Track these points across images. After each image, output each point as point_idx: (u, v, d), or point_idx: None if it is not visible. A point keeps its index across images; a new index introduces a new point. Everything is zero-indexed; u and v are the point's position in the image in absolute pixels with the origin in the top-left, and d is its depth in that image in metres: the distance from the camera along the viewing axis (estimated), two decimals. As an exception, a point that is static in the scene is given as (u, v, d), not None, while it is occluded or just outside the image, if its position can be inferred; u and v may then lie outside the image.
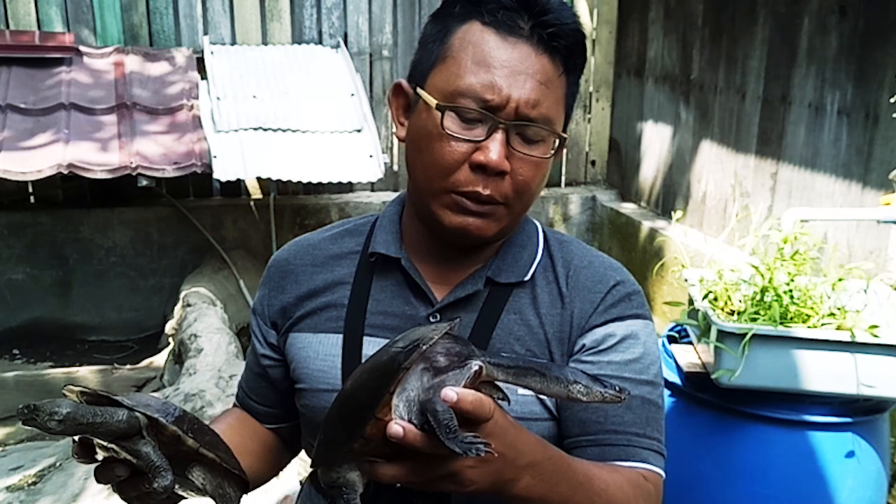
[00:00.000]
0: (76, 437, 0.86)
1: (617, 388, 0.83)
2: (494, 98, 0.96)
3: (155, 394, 3.39)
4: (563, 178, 5.37)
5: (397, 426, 0.76)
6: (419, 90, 1.02)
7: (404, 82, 1.06)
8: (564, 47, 0.99)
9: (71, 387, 0.84)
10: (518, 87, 0.96)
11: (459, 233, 1.01)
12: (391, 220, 1.13)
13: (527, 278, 1.07)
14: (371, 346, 1.05)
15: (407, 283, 1.08)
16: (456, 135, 0.97)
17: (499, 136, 0.96)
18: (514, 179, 0.99)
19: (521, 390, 0.99)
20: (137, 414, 0.83)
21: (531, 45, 0.97)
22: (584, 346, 1.05)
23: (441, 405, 0.75)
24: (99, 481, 0.87)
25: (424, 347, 0.79)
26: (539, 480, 0.86)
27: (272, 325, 1.16)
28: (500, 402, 0.85)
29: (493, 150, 0.96)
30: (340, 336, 1.07)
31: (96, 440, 0.84)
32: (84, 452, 0.86)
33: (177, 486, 0.89)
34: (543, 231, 1.15)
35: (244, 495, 0.97)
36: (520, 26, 0.97)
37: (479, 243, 1.05)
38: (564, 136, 1.02)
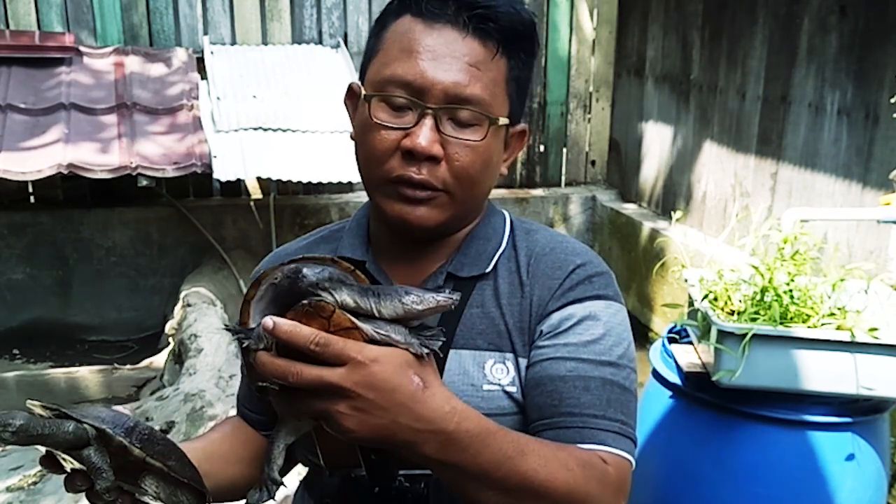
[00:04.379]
0: (43, 449, 0.91)
1: (449, 292, 0.83)
2: (419, 82, 0.95)
3: (155, 394, 3.39)
4: (563, 178, 5.37)
5: (268, 320, 0.77)
6: (361, 87, 1.03)
7: (355, 84, 1.06)
8: (496, 30, 0.97)
9: (32, 402, 0.90)
10: (443, 70, 0.95)
11: (401, 223, 1.00)
12: (359, 223, 1.12)
13: (488, 270, 1.05)
14: None
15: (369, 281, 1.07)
16: (386, 123, 0.97)
17: (428, 122, 0.95)
18: (450, 165, 0.97)
19: (485, 385, 0.99)
20: (85, 425, 0.88)
21: (457, 29, 0.96)
22: (541, 332, 1.01)
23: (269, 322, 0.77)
24: (67, 490, 0.92)
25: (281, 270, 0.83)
26: (450, 449, 0.82)
27: None
28: (420, 354, 0.82)
29: (420, 135, 0.95)
30: None
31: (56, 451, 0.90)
32: (49, 463, 0.92)
33: (137, 495, 0.93)
34: (511, 221, 1.13)
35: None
36: (445, 13, 0.97)
37: (428, 235, 1.04)
38: (495, 117, 0.98)
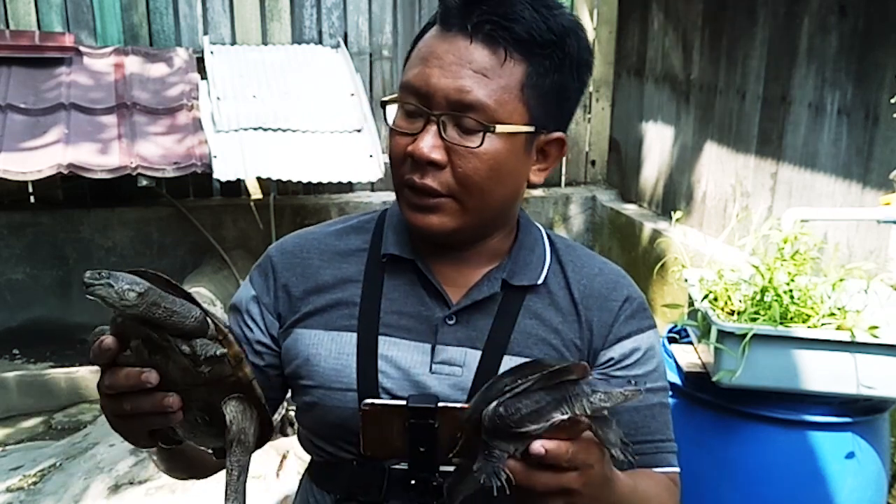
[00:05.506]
0: (111, 330, 0.79)
1: (633, 383, 0.86)
2: (424, 89, 0.98)
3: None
4: (563, 178, 5.37)
5: (539, 446, 0.81)
6: None
7: None
8: (506, 37, 0.97)
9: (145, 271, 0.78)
10: (447, 76, 0.97)
11: (413, 228, 1.04)
12: (400, 219, 1.11)
13: (540, 281, 1.09)
14: (386, 345, 1.05)
15: (421, 283, 1.08)
16: (400, 129, 1.01)
17: (431, 128, 0.98)
18: (454, 171, 0.99)
19: None
20: (210, 321, 0.79)
21: (465, 36, 0.98)
22: (612, 359, 1.08)
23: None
24: (107, 385, 0.82)
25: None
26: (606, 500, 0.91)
27: (277, 317, 1.13)
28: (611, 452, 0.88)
29: (422, 142, 0.97)
30: (354, 335, 1.06)
31: (142, 334, 0.77)
32: (117, 344, 0.79)
33: (197, 419, 0.84)
34: (548, 235, 1.15)
35: (256, 449, 0.92)
36: (459, 22, 0.98)
37: (445, 241, 1.06)
38: (492, 125, 0.97)
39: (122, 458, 2.81)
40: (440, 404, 0.97)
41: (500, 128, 0.98)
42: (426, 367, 1.04)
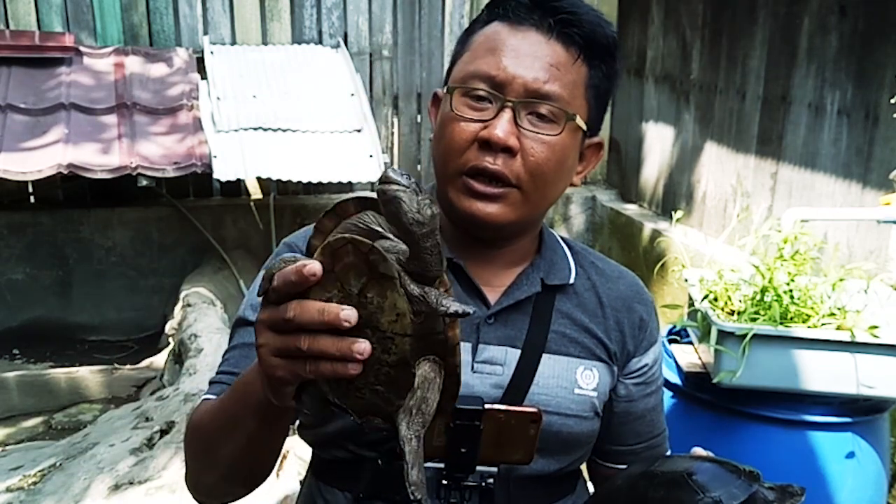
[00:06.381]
0: (318, 257, 0.68)
1: (800, 492, 0.95)
2: (500, 77, 0.98)
3: (155, 394, 3.39)
4: (563, 178, 5.37)
5: None
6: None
7: (440, 90, 1.09)
8: (579, 36, 1.00)
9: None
10: (525, 67, 0.98)
11: (470, 218, 1.01)
12: None
13: (571, 281, 1.10)
14: None
15: (457, 281, 1.07)
16: (466, 115, 1.00)
17: (506, 115, 0.98)
18: (525, 160, 0.99)
19: (576, 390, 1.06)
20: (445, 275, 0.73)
21: (542, 32, 1.00)
22: (646, 364, 1.14)
23: None
24: (287, 318, 0.69)
25: None
26: None
27: None
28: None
29: (498, 126, 0.97)
30: None
31: (363, 267, 0.67)
32: (313, 276, 0.67)
33: (375, 376, 0.71)
34: (560, 236, 1.17)
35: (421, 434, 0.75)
36: (531, 17, 1.00)
37: (496, 234, 1.05)
38: (573, 113, 1.00)
39: (122, 458, 2.81)
40: (486, 406, 0.98)
41: (578, 118, 1.00)
42: (468, 366, 1.03)
